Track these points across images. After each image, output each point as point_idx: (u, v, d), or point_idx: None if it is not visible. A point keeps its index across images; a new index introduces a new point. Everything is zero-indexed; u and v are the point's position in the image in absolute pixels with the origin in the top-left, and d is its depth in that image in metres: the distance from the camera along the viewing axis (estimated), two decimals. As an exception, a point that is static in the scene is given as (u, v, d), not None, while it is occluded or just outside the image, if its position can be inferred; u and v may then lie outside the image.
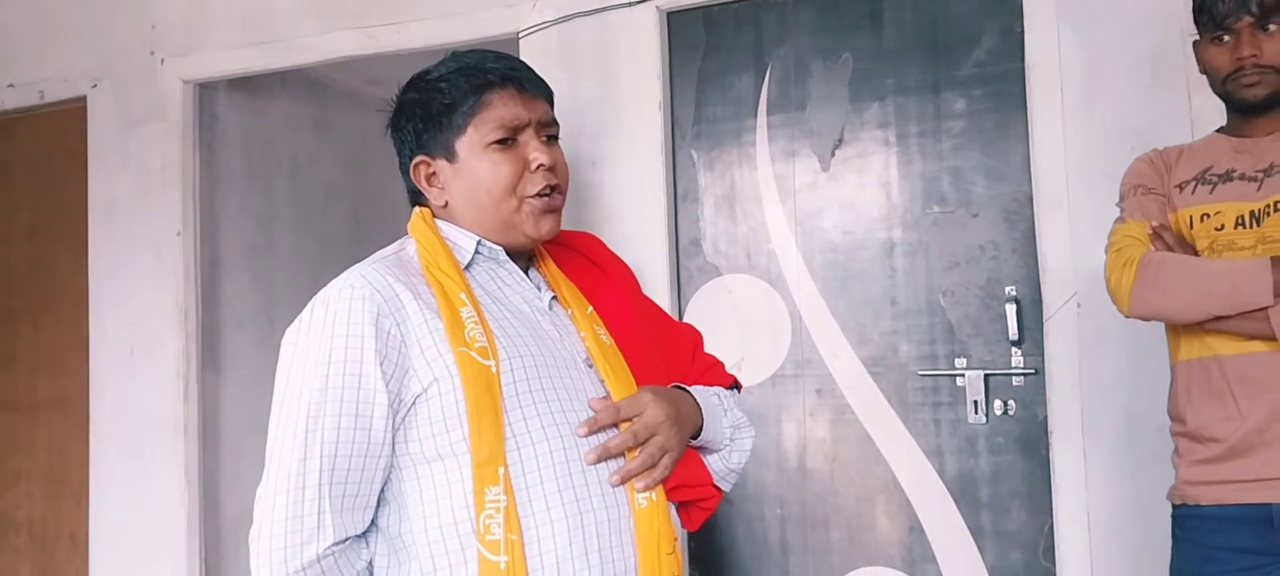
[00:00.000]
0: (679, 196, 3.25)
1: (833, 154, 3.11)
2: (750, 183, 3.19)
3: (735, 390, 1.69)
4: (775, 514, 3.13)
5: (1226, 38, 1.95)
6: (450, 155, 1.47)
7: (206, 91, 3.88)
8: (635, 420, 1.42)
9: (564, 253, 1.65)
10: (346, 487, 1.32)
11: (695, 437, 1.52)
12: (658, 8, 3.20)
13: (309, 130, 4.46)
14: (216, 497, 3.86)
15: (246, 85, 4.03)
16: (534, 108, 1.49)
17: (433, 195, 1.51)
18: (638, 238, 3.16)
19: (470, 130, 1.46)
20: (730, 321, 3.18)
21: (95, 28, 3.93)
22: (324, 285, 1.40)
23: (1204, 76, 2.04)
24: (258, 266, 4.12)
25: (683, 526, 1.56)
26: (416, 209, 1.52)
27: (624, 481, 1.41)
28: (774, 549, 3.13)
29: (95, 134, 3.90)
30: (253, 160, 4.14)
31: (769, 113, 3.17)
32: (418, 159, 1.50)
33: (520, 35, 3.32)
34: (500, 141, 1.46)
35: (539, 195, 1.47)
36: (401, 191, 1.58)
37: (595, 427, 1.40)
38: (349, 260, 4.84)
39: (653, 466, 1.42)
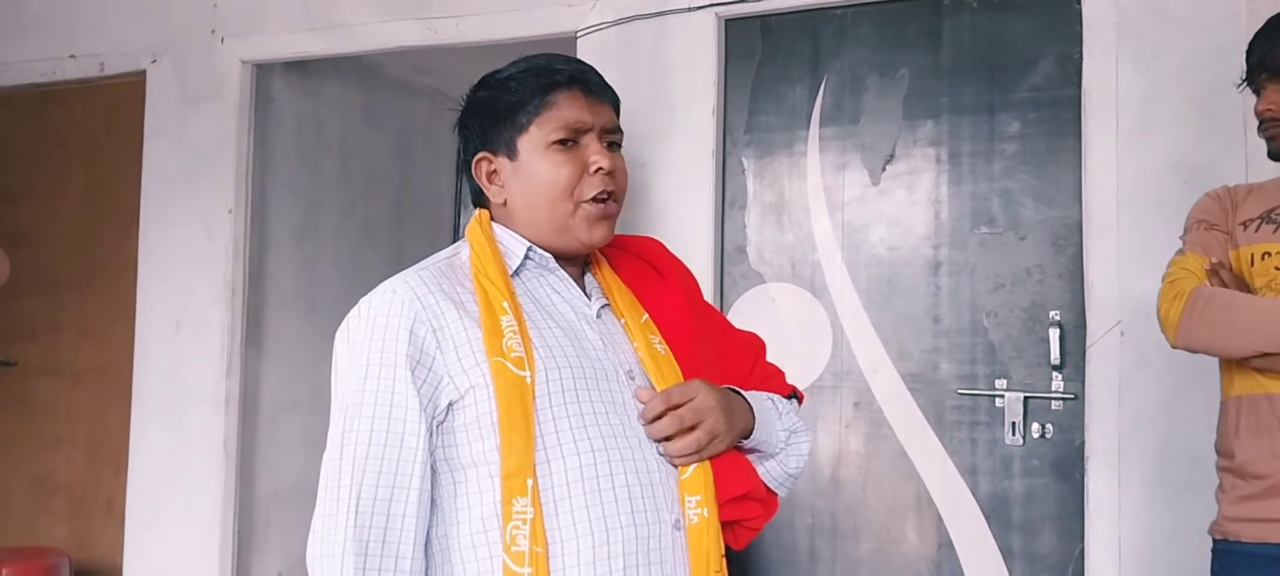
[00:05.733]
0: (727, 202, 3.28)
1: (883, 168, 3.13)
2: (799, 193, 3.22)
3: (795, 400, 1.70)
4: (806, 523, 3.16)
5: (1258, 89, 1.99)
6: (512, 153, 1.48)
7: (263, 72, 3.93)
8: (684, 405, 1.42)
9: (623, 257, 1.64)
10: (379, 488, 1.33)
11: (747, 438, 1.53)
12: (716, 14, 3.23)
13: (358, 116, 4.51)
14: (252, 472, 3.91)
15: (301, 68, 4.08)
16: (598, 112, 1.49)
17: (492, 193, 1.51)
18: (683, 242, 3.18)
19: (533, 129, 1.46)
20: (771, 330, 3.14)
21: (157, 4, 3.98)
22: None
23: None
24: (304, 248, 4.17)
25: (730, 546, 1.56)
26: (476, 212, 1.53)
27: (674, 457, 1.43)
28: (803, 558, 3.15)
29: (152, 109, 3.96)
30: (304, 142, 4.20)
31: (821, 124, 3.19)
32: (480, 155, 1.51)
33: (578, 34, 3.35)
34: (562, 142, 1.46)
35: (595, 200, 1.46)
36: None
37: (650, 419, 1.42)
38: (391, 247, 4.87)
39: (698, 448, 1.43)
